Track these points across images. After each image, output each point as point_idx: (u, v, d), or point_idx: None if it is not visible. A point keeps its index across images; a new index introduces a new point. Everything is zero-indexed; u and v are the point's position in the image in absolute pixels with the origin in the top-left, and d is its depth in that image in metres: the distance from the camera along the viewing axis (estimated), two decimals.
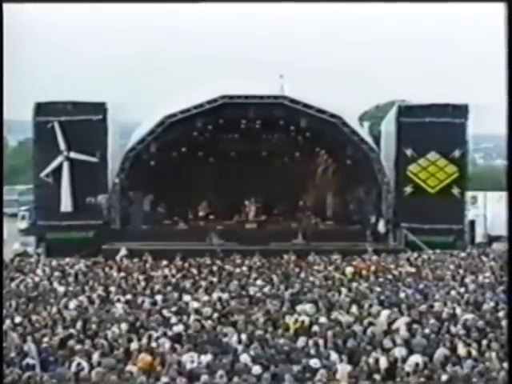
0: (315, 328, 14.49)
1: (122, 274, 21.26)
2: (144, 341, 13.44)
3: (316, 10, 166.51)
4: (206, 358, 12.47)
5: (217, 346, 13.19)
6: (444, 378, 11.50)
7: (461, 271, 21.55)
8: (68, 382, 11.58)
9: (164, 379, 11.53)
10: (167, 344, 13.28)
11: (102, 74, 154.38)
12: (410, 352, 12.87)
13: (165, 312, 15.81)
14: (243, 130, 31.99)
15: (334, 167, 33.88)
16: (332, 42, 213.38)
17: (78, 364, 12.15)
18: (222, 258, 24.53)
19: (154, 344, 13.25)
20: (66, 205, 29.62)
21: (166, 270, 22.01)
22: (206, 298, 17.45)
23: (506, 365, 11.27)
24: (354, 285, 19.27)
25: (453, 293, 17.99)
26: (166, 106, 30.89)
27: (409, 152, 30.38)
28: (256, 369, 11.96)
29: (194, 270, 21.96)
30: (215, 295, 17.72)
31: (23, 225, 36.76)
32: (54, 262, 24.05)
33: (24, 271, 22.05)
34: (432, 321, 14.83)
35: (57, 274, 21.52)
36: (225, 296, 17.64)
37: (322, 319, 15.11)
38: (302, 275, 21.06)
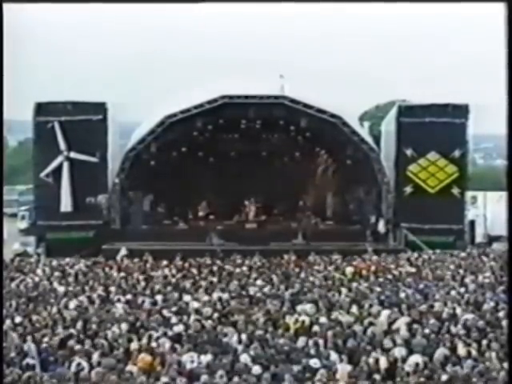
0: (315, 328, 14.50)
1: (122, 274, 21.26)
2: (144, 341, 13.45)
3: (316, 9, 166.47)
4: (206, 358, 12.49)
5: (217, 346, 13.20)
6: (444, 378, 11.51)
7: (461, 271, 21.55)
8: (68, 382, 11.58)
9: (164, 379, 11.54)
10: (167, 344, 13.29)
11: (102, 73, 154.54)
12: (410, 352, 12.88)
13: (165, 312, 15.81)
14: (243, 130, 31.99)
15: (334, 167, 33.87)
16: (332, 42, 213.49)
17: (78, 364, 12.17)
18: (222, 258, 24.52)
19: (154, 344, 13.26)
20: (65, 205, 29.62)
21: (166, 270, 22.01)
22: (206, 297, 17.46)
23: (506, 365, 11.28)
24: (354, 285, 19.27)
25: (453, 293, 18.00)
26: (166, 106, 30.90)
27: (409, 152, 30.37)
28: (256, 369, 11.98)
29: (194, 270, 21.96)
30: (215, 295, 17.73)
31: (23, 225, 36.76)
32: (54, 262, 24.04)
33: (24, 271, 22.04)
34: (432, 321, 14.84)
35: (57, 273, 21.52)
36: (225, 296, 17.65)
37: (322, 319, 15.12)
38: (302, 275, 21.06)
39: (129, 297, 17.73)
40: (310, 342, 13.41)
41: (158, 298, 17.57)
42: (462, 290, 18.39)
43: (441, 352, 12.79)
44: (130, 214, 30.60)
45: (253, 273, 21.35)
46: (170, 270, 22.01)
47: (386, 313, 15.61)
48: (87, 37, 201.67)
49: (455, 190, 30.52)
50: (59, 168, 29.65)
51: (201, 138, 31.85)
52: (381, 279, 20.34)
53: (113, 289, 18.74)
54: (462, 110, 30.48)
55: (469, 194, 32.51)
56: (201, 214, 32.96)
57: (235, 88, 29.07)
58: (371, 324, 14.78)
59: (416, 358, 12.36)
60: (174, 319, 15.16)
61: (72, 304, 16.79)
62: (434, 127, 29.88)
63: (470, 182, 33.68)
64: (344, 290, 18.40)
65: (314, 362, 12.26)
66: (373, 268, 22.17)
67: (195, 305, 16.58)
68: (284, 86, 29.22)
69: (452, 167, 30.44)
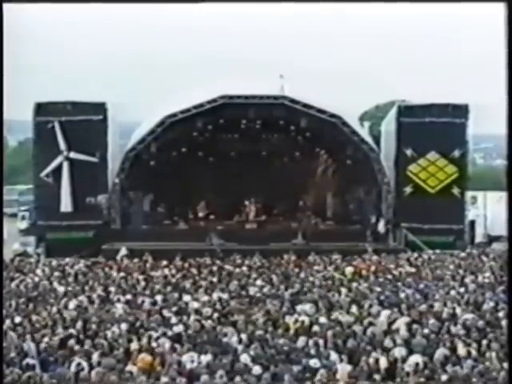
0: (315, 328, 14.50)
1: (122, 274, 21.26)
2: (144, 341, 13.45)
3: (316, 9, 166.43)
4: (206, 358, 12.50)
5: (217, 346, 13.21)
6: (444, 378, 11.52)
7: (461, 271, 21.54)
8: (68, 382, 11.59)
9: (164, 379, 11.55)
10: (167, 344, 13.30)
11: (102, 74, 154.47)
12: (410, 352, 12.89)
13: (165, 312, 15.82)
14: (243, 130, 31.97)
15: (334, 167, 33.85)
16: (332, 42, 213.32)
17: (78, 364, 12.18)
18: (221, 258, 24.52)
19: (154, 344, 13.27)
20: (65, 205, 29.60)
21: (165, 270, 22.01)
22: (205, 298, 17.46)
23: (506, 365, 11.28)
24: (354, 285, 19.28)
25: (453, 293, 18.01)
26: (166, 106, 30.89)
27: (409, 152, 30.36)
28: (256, 369, 11.98)
29: (194, 270, 21.96)
30: (215, 295, 17.74)
31: (23, 225, 36.71)
32: (54, 262, 24.05)
33: (24, 271, 22.05)
34: (432, 321, 14.85)
35: (57, 274, 21.52)
36: (225, 296, 17.66)
37: (322, 319, 15.12)
38: (302, 275, 21.07)
39: (129, 297, 17.73)
40: (310, 342, 13.41)
41: (158, 298, 17.57)
42: (462, 289, 18.39)
43: (441, 352, 12.80)
44: (130, 214, 30.58)
45: (253, 273, 21.34)
46: (170, 270, 22.01)
47: (385, 313, 15.61)
48: (87, 37, 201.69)
49: (455, 190, 30.50)
50: (59, 168, 29.63)
51: (201, 138, 31.84)
52: (381, 279, 20.35)
53: (113, 289, 18.75)
54: (461, 110, 30.47)
55: (469, 194, 32.48)
56: (200, 214, 32.96)
57: (235, 88, 29.05)
58: (371, 324, 14.78)
59: (416, 358, 12.36)
60: (173, 319, 15.16)
61: (72, 304, 16.79)
62: (434, 127, 29.86)
63: (470, 182, 33.65)
64: (344, 290, 18.41)
65: (314, 362, 12.27)
66: (373, 268, 22.18)
67: (195, 305, 16.59)
68: (284, 86, 29.20)
69: (452, 167, 30.42)
